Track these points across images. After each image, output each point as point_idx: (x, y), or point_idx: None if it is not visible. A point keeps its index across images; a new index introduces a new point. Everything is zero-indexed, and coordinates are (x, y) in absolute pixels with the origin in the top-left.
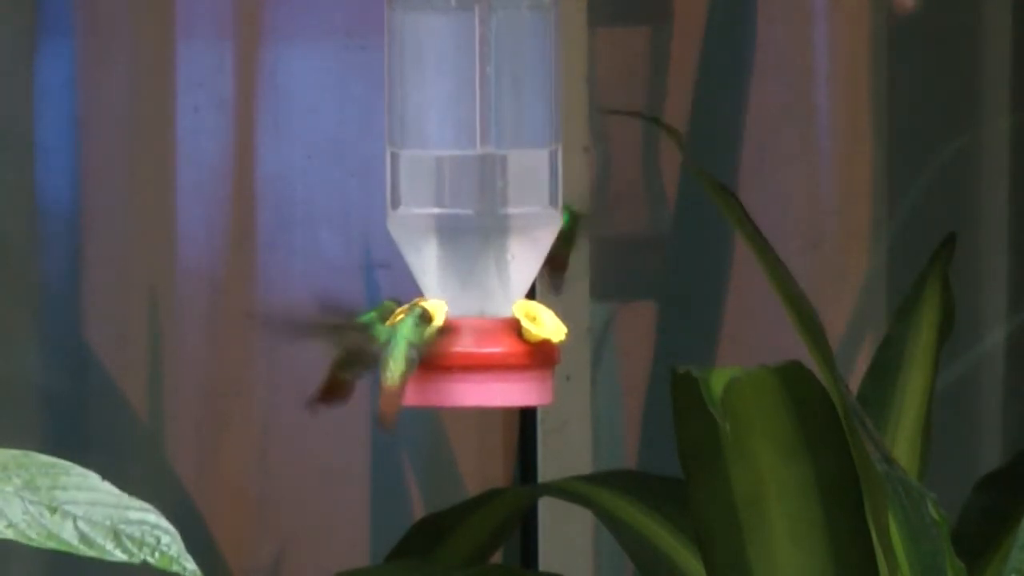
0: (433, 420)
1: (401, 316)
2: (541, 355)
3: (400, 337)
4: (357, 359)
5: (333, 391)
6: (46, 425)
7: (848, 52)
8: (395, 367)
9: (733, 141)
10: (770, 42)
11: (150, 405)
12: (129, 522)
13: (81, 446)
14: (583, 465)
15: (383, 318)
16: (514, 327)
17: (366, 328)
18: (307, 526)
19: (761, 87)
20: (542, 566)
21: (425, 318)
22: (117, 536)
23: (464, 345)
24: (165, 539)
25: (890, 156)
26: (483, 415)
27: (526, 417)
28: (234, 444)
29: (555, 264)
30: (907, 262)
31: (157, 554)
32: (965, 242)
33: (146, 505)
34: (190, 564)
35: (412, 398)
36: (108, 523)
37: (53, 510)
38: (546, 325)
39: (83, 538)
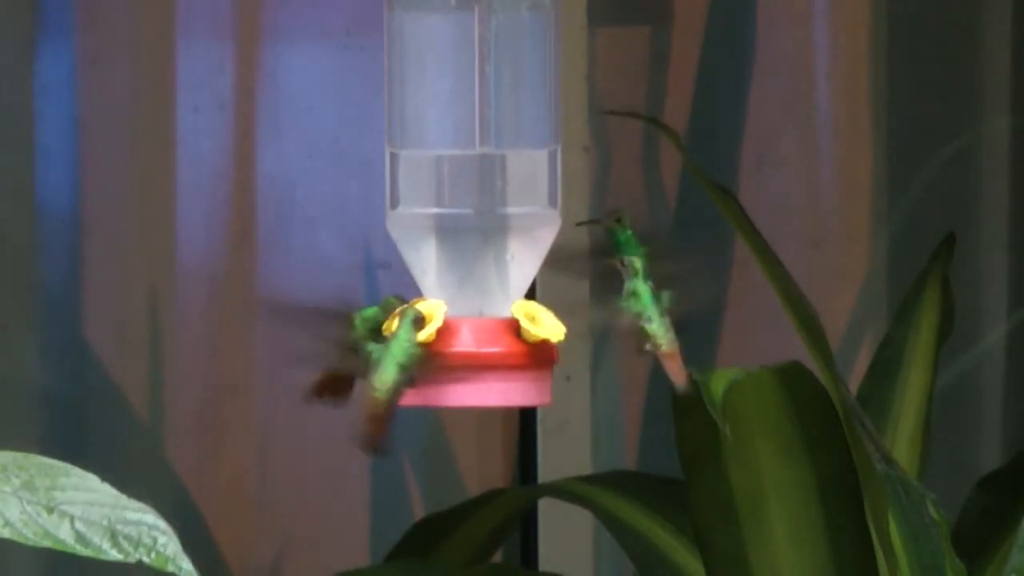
0: (433, 420)
1: (395, 329)
2: (540, 355)
3: (391, 359)
4: (355, 354)
5: (333, 384)
6: (46, 425)
7: (848, 52)
8: (382, 389)
9: (733, 141)
10: (770, 42)
11: (150, 405)
12: (126, 522)
13: (81, 446)
14: (583, 465)
15: (386, 313)
16: (513, 327)
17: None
18: (307, 526)
19: (761, 87)
20: (542, 566)
21: (418, 328)
22: (114, 536)
23: (463, 345)
24: (162, 539)
25: (890, 156)
26: (483, 415)
27: (526, 417)
28: (234, 444)
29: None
30: (907, 262)
31: (153, 554)
32: (965, 242)
33: (144, 506)
34: (186, 564)
35: (412, 398)
36: (105, 523)
37: (50, 510)
38: (545, 325)
39: (79, 538)
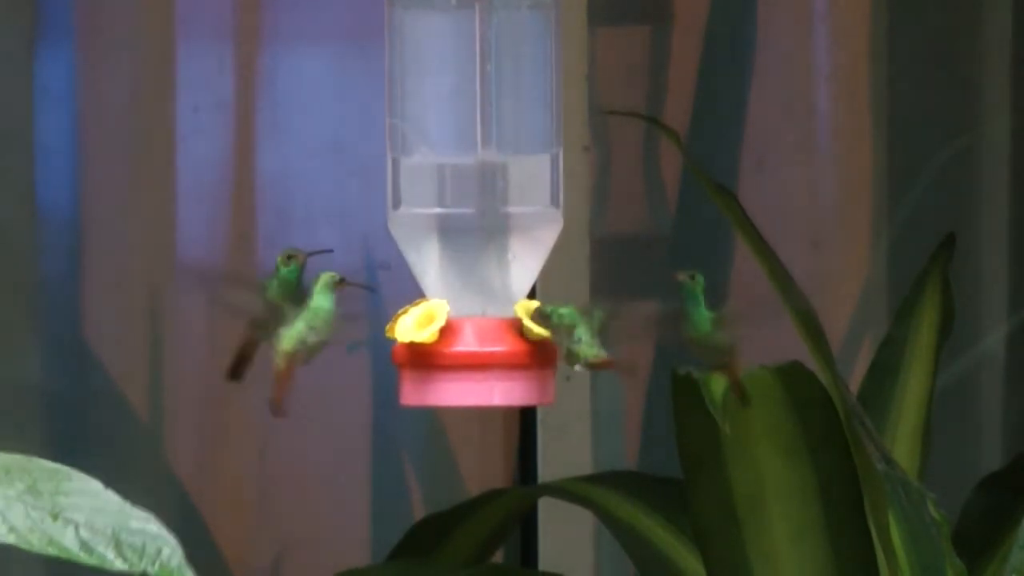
0: (433, 420)
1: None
2: (542, 354)
3: (300, 320)
4: (265, 323)
5: (244, 353)
6: (47, 425)
7: (848, 52)
8: (285, 346)
9: (733, 141)
10: (770, 42)
11: (150, 405)
12: (130, 531)
13: (82, 446)
14: (583, 465)
15: (288, 269)
16: (515, 326)
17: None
18: (307, 526)
19: (761, 87)
20: (542, 566)
21: (332, 289)
22: (118, 545)
23: (466, 344)
24: (166, 550)
25: (890, 156)
26: (483, 415)
27: (526, 417)
28: (234, 444)
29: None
30: (907, 262)
31: (157, 565)
32: (965, 242)
33: (148, 515)
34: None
35: (412, 398)
36: (109, 531)
37: (55, 516)
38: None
39: (83, 545)
